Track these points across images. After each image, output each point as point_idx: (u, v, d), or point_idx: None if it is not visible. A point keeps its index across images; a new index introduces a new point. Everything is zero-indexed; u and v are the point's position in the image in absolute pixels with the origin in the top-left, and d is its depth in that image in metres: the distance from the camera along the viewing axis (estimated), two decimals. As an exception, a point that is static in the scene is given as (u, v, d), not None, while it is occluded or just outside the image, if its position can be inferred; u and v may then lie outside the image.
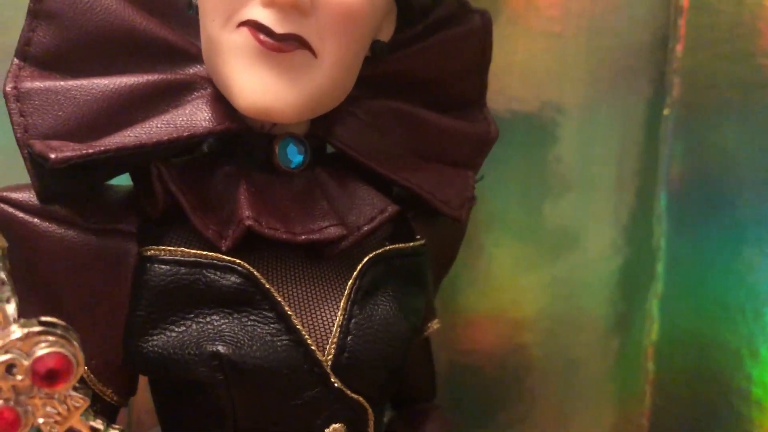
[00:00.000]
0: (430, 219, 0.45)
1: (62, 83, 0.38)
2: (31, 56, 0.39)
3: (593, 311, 0.64)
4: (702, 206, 0.63)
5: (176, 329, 0.37)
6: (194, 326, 0.37)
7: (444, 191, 0.44)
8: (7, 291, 0.28)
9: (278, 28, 0.36)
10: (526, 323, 0.64)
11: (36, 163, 0.36)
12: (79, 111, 0.37)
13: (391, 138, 0.44)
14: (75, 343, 0.29)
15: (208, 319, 0.37)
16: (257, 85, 0.36)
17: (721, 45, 0.60)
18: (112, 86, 0.38)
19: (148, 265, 0.37)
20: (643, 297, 0.65)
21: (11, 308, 0.28)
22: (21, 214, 0.37)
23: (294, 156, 0.40)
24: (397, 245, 0.42)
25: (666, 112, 0.62)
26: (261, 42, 0.36)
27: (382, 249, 0.41)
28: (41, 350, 0.28)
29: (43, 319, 0.29)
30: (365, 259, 0.40)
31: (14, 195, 0.37)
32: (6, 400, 0.28)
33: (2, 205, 0.37)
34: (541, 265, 0.63)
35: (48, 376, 0.28)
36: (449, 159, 0.46)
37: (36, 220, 0.37)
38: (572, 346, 0.64)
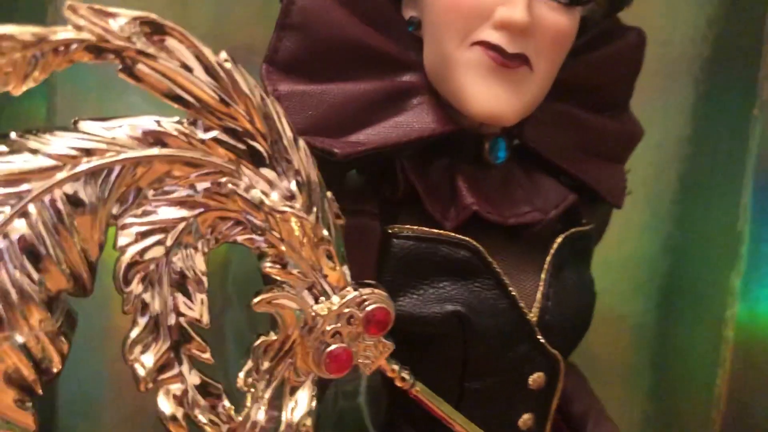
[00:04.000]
0: (591, 205, 0.53)
1: (314, 87, 0.45)
2: (278, 62, 0.46)
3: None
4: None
5: (417, 293, 0.45)
6: (431, 290, 0.45)
7: (608, 182, 0.52)
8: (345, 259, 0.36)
9: (510, 48, 0.43)
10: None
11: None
12: (329, 111, 0.45)
13: (562, 136, 0.51)
14: (390, 300, 0.37)
15: (441, 285, 0.45)
16: (489, 95, 0.44)
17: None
18: (354, 91, 0.45)
19: (393, 240, 0.45)
20: (726, 275, 0.74)
21: (347, 269, 0.36)
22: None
23: (502, 152, 0.48)
24: (580, 228, 0.50)
25: (755, 112, 0.71)
26: (493, 59, 0.43)
27: (570, 231, 0.49)
28: (370, 305, 0.36)
29: (366, 281, 0.37)
30: (559, 240, 0.48)
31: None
32: (345, 344, 0.36)
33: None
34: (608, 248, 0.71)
35: (379, 325, 0.36)
36: (606, 154, 0.53)
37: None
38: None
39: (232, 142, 0.33)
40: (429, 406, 0.41)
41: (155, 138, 0.31)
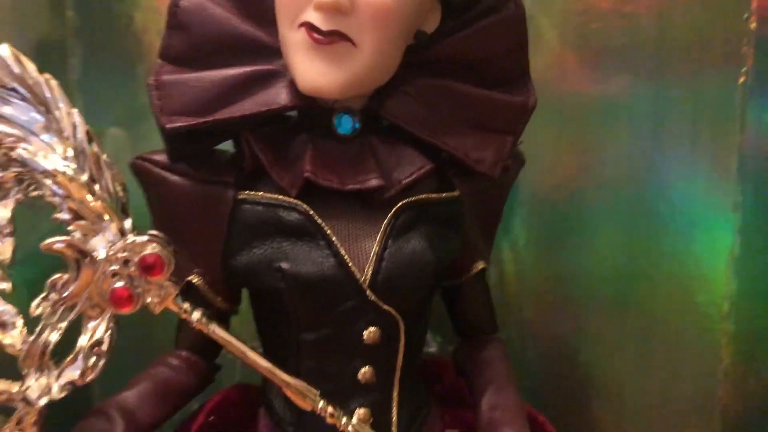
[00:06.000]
0: (468, 176, 0.54)
1: (185, 76, 0.52)
2: (169, 57, 0.53)
3: (668, 269, 0.69)
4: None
5: (257, 251, 0.50)
6: (269, 250, 0.50)
7: (479, 152, 0.53)
8: (128, 211, 0.43)
9: (324, 27, 0.47)
10: (606, 279, 0.70)
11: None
12: (197, 95, 0.51)
13: (438, 110, 0.53)
14: (170, 248, 0.43)
15: (278, 245, 0.50)
16: (311, 71, 0.48)
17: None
18: (219, 76, 0.52)
19: (241, 205, 0.51)
20: (720, 258, 0.68)
21: (128, 222, 0.43)
22: (156, 169, 0.52)
23: (347, 124, 0.51)
24: (428, 195, 0.52)
25: (740, 81, 0.66)
26: (313, 38, 0.48)
27: (415, 197, 0.51)
28: (144, 251, 0.43)
29: (152, 232, 0.44)
30: (399, 205, 0.51)
31: (152, 155, 0.53)
32: (124, 283, 0.43)
33: (144, 162, 0.52)
34: (617, 223, 0.69)
35: (148, 268, 0.43)
36: (492, 126, 0.54)
37: (165, 172, 0.52)
38: (650, 300, 0.70)
39: (20, 115, 0.41)
40: (226, 345, 0.46)
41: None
